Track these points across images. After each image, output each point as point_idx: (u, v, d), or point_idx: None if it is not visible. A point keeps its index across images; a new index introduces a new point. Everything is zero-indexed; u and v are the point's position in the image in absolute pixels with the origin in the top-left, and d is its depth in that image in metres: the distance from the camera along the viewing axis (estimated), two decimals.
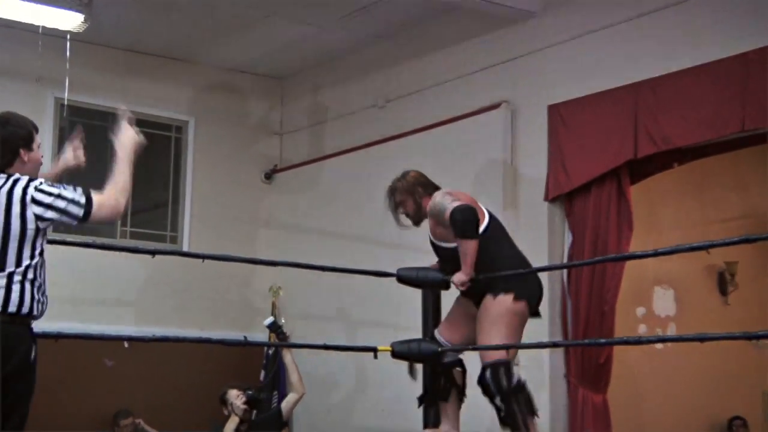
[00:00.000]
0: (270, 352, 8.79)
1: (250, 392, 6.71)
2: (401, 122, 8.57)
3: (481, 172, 7.62)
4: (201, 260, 4.72)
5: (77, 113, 9.02)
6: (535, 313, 5.25)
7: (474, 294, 5.19)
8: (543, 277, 7.18)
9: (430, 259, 5.54)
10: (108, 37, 8.93)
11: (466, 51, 8.13)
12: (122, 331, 8.67)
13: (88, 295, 8.84)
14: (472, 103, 7.93)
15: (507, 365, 4.99)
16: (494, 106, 7.70)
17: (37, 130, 4.03)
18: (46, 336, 4.13)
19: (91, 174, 9.25)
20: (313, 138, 9.74)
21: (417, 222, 5.35)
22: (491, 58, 7.87)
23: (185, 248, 9.28)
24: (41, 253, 3.89)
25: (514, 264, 5.19)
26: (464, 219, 4.99)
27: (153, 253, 4.31)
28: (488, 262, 5.10)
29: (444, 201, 5.10)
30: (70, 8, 7.56)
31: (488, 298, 5.09)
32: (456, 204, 5.03)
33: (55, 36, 8.22)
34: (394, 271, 5.56)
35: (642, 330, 8.65)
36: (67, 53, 8.22)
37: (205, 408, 7.90)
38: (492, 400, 5.04)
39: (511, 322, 5.06)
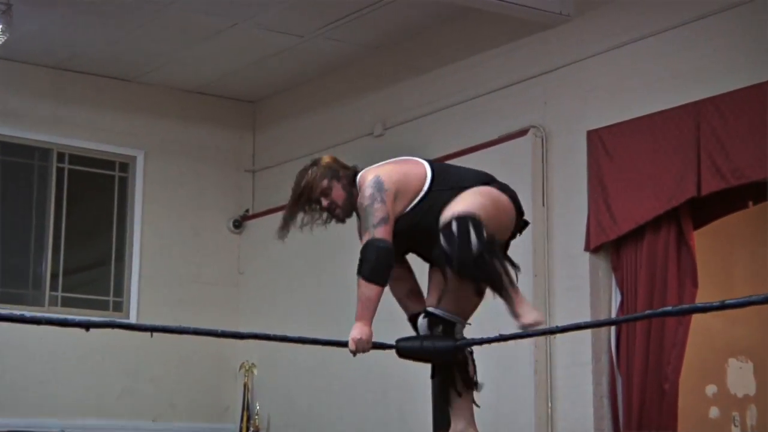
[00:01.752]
0: None
1: None
2: (402, 153, 8.47)
3: None
4: (150, 334, 4.66)
5: None
6: (523, 227, 5.11)
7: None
8: (584, 345, 7.29)
9: None
10: (33, 54, 8.92)
11: (483, 65, 8.11)
12: (52, 426, 8.61)
13: (8, 380, 8.77)
14: (492, 129, 7.91)
15: (477, 221, 4.70)
16: (521, 133, 7.69)
17: None
18: None
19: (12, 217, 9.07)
20: (293, 175, 9.69)
21: (346, 215, 5.20)
22: (516, 73, 7.86)
23: (132, 317, 9.22)
24: None
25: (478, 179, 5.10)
26: (369, 258, 4.87)
27: (87, 326, 4.26)
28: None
29: (369, 215, 4.94)
30: None
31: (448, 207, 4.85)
32: (378, 230, 4.90)
33: None
34: (392, 339, 5.51)
35: (714, 414, 8.57)
36: None
37: None
38: (450, 263, 4.74)
39: (484, 204, 4.85)
